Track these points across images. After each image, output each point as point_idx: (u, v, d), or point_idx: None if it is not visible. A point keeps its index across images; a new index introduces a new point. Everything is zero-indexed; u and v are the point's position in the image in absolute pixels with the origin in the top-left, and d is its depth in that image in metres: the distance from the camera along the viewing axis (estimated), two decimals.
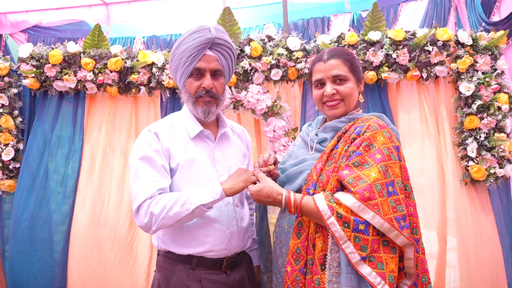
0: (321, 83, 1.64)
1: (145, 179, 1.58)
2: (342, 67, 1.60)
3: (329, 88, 1.60)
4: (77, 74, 3.13)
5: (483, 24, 3.41)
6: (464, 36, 3.00)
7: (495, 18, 3.81)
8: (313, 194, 1.48)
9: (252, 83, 3.12)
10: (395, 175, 1.41)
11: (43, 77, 3.16)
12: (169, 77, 3.11)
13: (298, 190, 1.59)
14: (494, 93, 2.97)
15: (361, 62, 3.00)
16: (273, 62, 3.05)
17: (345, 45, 3.03)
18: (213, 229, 1.65)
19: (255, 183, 1.60)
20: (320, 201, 1.40)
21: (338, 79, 1.60)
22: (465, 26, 4.08)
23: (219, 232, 1.66)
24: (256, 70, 3.09)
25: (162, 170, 1.62)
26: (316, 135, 1.70)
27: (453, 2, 4.40)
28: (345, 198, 1.36)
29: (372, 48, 2.99)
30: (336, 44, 3.04)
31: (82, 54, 3.14)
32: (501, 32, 3.03)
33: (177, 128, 1.75)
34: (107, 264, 3.12)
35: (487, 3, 3.79)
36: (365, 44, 3.01)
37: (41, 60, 3.12)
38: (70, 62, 3.14)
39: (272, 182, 1.55)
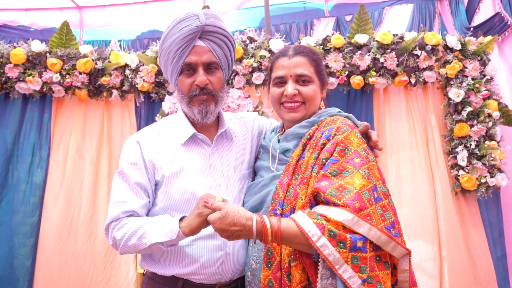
0: (282, 81, 1.45)
1: (117, 197, 1.46)
2: (308, 66, 1.42)
3: (290, 88, 1.41)
4: (42, 75, 2.90)
5: (466, 29, 3.35)
6: (453, 41, 2.90)
7: (476, 23, 3.76)
8: (281, 214, 1.28)
9: (233, 87, 2.94)
10: (376, 178, 1.24)
11: (3, 78, 2.91)
12: (143, 80, 2.90)
13: None
14: (484, 99, 2.87)
15: (347, 66, 2.87)
16: (255, 65, 2.89)
17: (330, 48, 2.88)
18: (203, 248, 1.44)
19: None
20: (304, 220, 1.15)
21: (301, 79, 1.42)
22: (450, 32, 4.02)
23: (210, 253, 1.44)
24: (237, 74, 2.92)
25: (136, 188, 1.44)
26: (279, 142, 1.50)
27: (437, 8, 4.36)
28: (334, 213, 1.14)
29: (359, 52, 2.86)
30: (322, 47, 2.90)
31: (48, 54, 2.91)
32: (490, 38, 2.95)
33: (166, 134, 1.54)
34: (77, 284, 2.88)
35: (470, 9, 3.74)
36: (351, 48, 2.88)
37: (1, 59, 2.87)
38: (35, 62, 2.90)
39: (237, 206, 1.27)
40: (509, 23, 3.11)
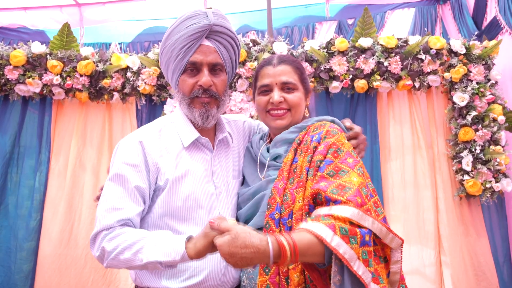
0: (267, 89, 1.47)
1: (110, 203, 1.31)
2: (293, 74, 1.46)
3: (276, 95, 1.44)
4: (42, 77, 2.86)
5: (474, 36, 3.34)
6: (457, 45, 2.88)
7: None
8: (279, 218, 1.27)
9: (235, 90, 2.91)
10: (366, 176, 1.29)
11: (3, 80, 2.87)
12: (145, 83, 2.87)
13: (260, 228, 1.29)
14: (489, 103, 2.85)
15: (351, 69, 2.84)
16: None
17: (334, 51, 2.86)
18: (205, 260, 1.33)
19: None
20: (315, 226, 1.09)
21: (287, 87, 1.46)
22: (452, 37, 4.01)
23: (213, 265, 1.35)
24: (240, 77, 2.88)
25: (135, 193, 1.32)
26: (268, 150, 1.48)
27: (439, 12, 4.35)
28: (339, 210, 1.12)
29: (363, 55, 2.83)
30: (326, 50, 2.87)
31: (48, 56, 2.87)
32: (494, 42, 2.93)
33: (167, 135, 1.44)
34: None
35: (478, 15, 3.73)
36: (355, 51, 2.85)
37: (0, 61, 2.83)
38: (35, 64, 2.86)
39: (247, 227, 1.13)
40: (502, 26, 3.11)
